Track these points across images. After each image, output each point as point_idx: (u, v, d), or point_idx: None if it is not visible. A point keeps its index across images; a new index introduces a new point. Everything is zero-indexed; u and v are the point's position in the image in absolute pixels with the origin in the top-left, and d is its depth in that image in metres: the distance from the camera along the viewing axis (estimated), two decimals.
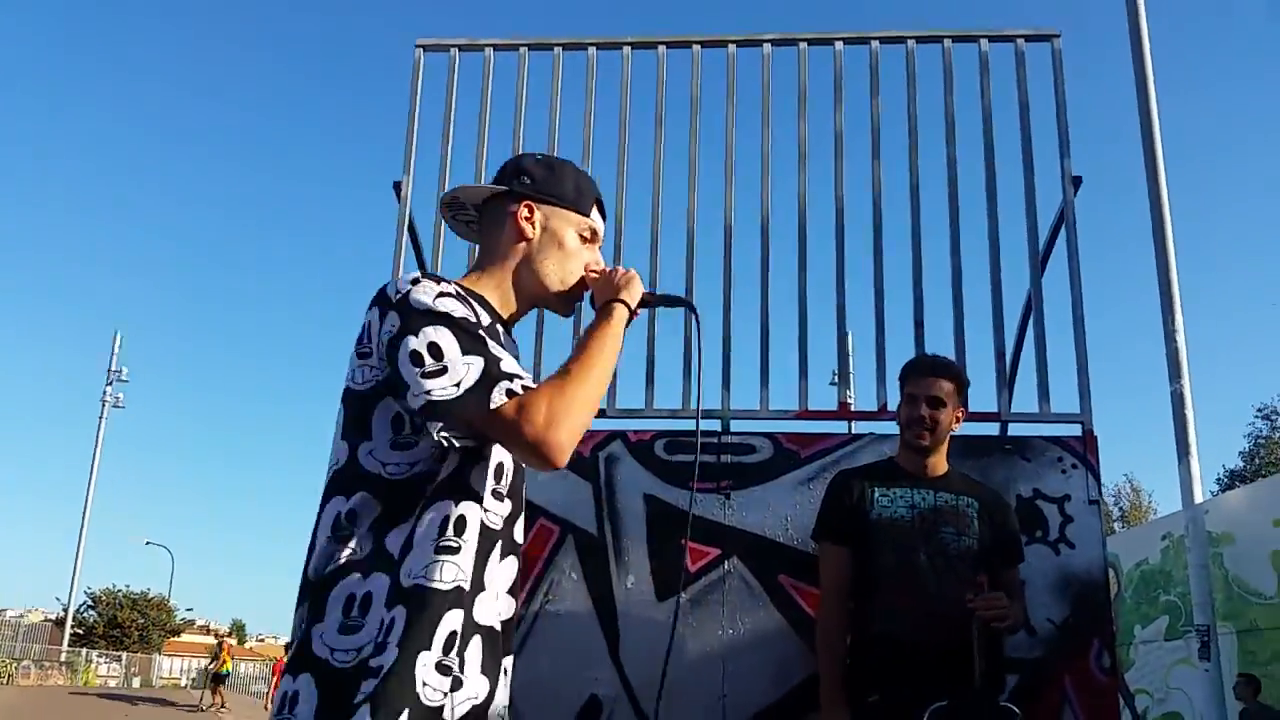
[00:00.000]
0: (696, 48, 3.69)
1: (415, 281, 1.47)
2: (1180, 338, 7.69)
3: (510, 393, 1.39)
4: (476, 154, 3.64)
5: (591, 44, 3.71)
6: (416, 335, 1.41)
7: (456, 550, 1.44)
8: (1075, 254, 3.36)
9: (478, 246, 1.74)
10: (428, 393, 1.38)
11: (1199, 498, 7.76)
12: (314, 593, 1.43)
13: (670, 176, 3.57)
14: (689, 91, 3.64)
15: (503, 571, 1.53)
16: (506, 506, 1.55)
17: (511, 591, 1.56)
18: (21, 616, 39.37)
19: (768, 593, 3.08)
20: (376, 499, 1.44)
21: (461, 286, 1.55)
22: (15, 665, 29.72)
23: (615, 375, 3.34)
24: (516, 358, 1.55)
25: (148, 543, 45.16)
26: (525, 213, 1.64)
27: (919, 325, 3.36)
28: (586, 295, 1.70)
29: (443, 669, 1.40)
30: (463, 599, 1.44)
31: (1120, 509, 30.72)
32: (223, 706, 22.78)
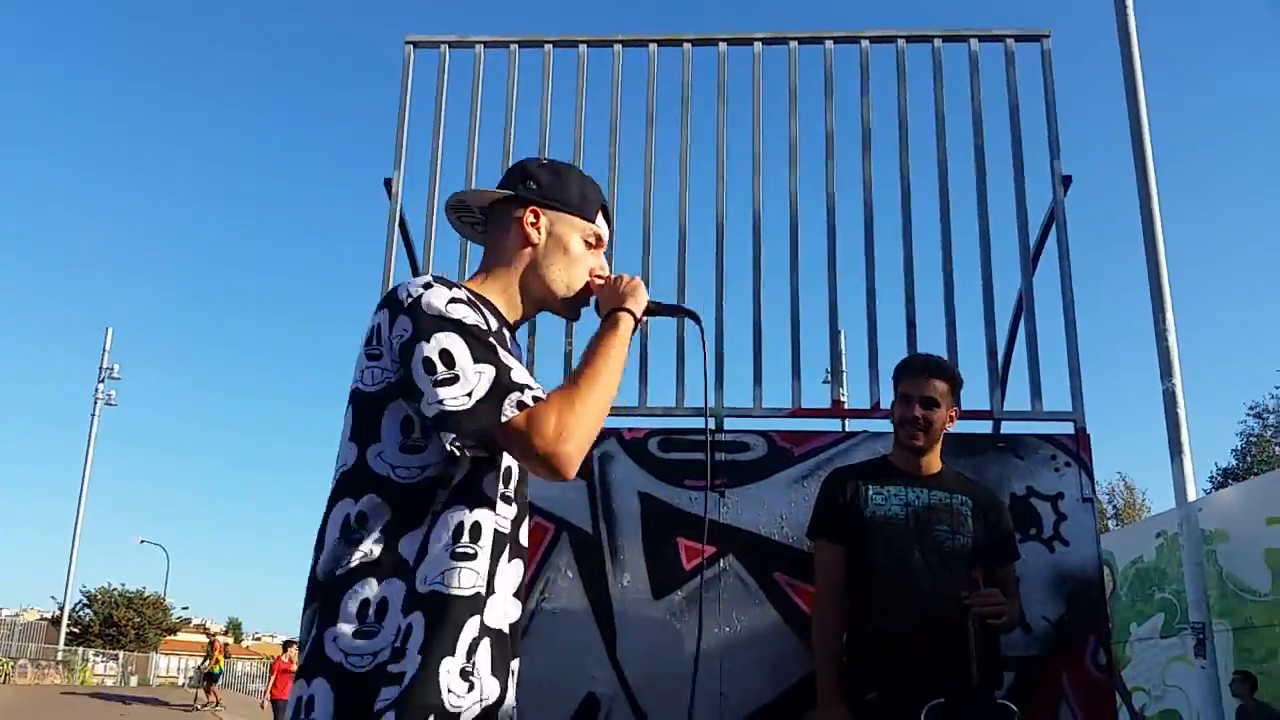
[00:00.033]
0: (687, 46, 3.69)
1: (427, 286, 1.48)
2: (1171, 336, 7.70)
3: (521, 404, 1.40)
4: (467, 150, 3.64)
5: (582, 41, 3.71)
6: (429, 341, 1.41)
7: (474, 557, 1.45)
8: (1066, 253, 3.36)
9: (481, 247, 1.74)
10: (440, 402, 1.39)
11: (1192, 495, 7.77)
12: (325, 595, 1.43)
13: (661, 174, 3.58)
14: (680, 90, 3.65)
15: (510, 575, 1.54)
16: (513, 510, 1.56)
17: (517, 594, 1.57)
18: (17, 615, 39.35)
19: (763, 590, 3.08)
20: (387, 502, 1.44)
21: (470, 290, 1.55)
22: (12, 664, 29.67)
23: None
24: (520, 360, 1.56)
25: (142, 541, 45.01)
26: (531, 218, 1.65)
27: (911, 324, 3.37)
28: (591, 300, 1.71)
29: (464, 675, 1.42)
30: (479, 605, 1.45)
31: (1114, 507, 30.76)
32: (218, 705, 22.76)
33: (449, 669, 1.40)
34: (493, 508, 1.50)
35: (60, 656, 33.28)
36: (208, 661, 23.59)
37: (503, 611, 1.51)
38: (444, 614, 1.41)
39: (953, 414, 2.79)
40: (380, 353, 1.48)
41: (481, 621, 1.46)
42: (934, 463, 2.79)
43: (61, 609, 35.53)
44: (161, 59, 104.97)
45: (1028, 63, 3.57)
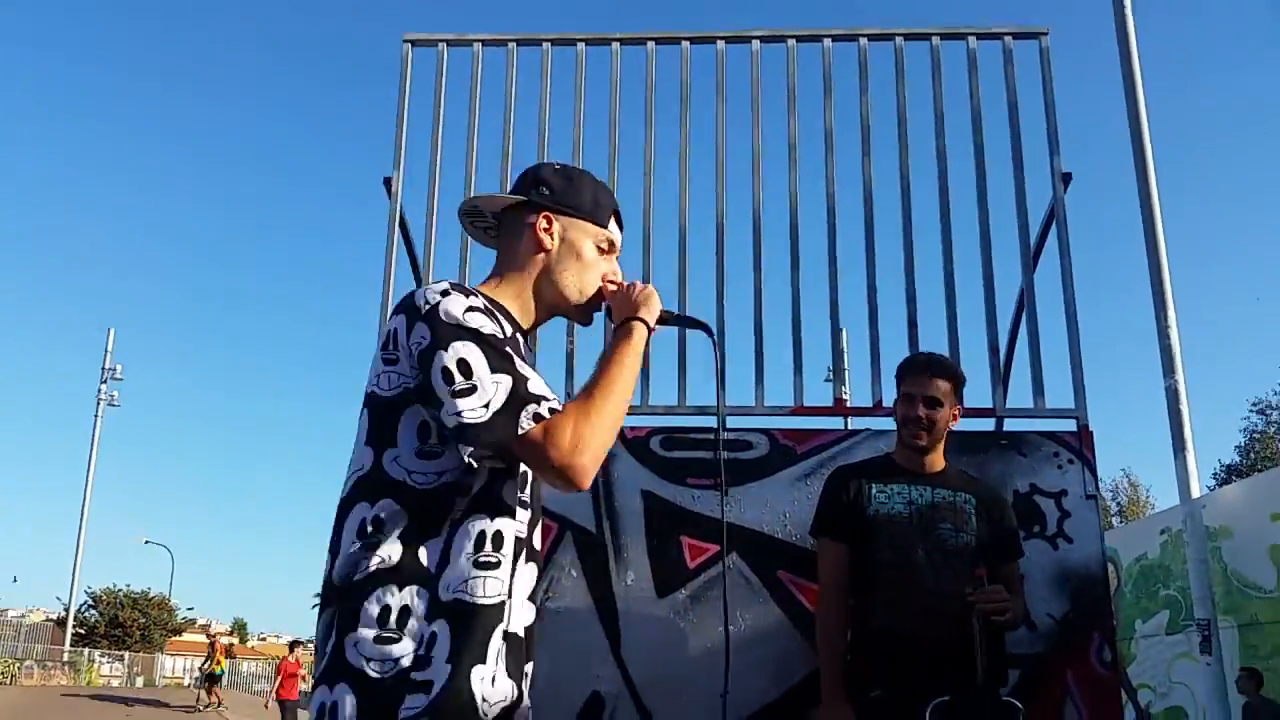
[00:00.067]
0: (685, 44, 3.69)
1: (444, 293, 1.48)
2: (1173, 333, 7.69)
3: (537, 416, 1.41)
4: (466, 149, 3.64)
5: (580, 40, 3.71)
6: (447, 350, 1.42)
7: (497, 565, 1.47)
8: (1067, 250, 3.36)
9: (482, 247, 1.76)
10: (459, 414, 1.40)
11: (1196, 492, 7.77)
12: (342, 600, 1.43)
13: (660, 173, 3.58)
14: (679, 88, 3.64)
15: (526, 578, 1.55)
16: (529, 514, 1.57)
17: (531, 597, 1.57)
18: (23, 616, 39.41)
19: (767, 589, 3.08)
20: (403, 507, 1.45)
21: (485, 296, 1.56)
22: (18, 665, 29.72)
23: None
24: (533, 364, 1.56)
25: (147, 542, 45.18)
26: (544, 224, 1.65)
27: (912, 322, 3.37)
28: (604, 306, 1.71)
29: (494, 681, 1.43)
30: (504, 613, 1.47)
31: (1118, 504, 30.71)
32: (220, 705, 22.79)
33: (481, 676, 1.41)
34: (513, 515, 1.51)
35: (66, 657, 33.33)
36: (209, 663, 23.64)
37: (519, 616, 1.52)
38: (471, 623, 1.42)
39: (956, 412, 2.79)
40: (397, 357, 1.48)
41: (505, 628, 1.48)
42: (937, 461, 2.78)
43: (67, 610, 35.61)
44: (161, 59, 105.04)
45: (1026, 60, 3.57)
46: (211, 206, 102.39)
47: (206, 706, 22.28)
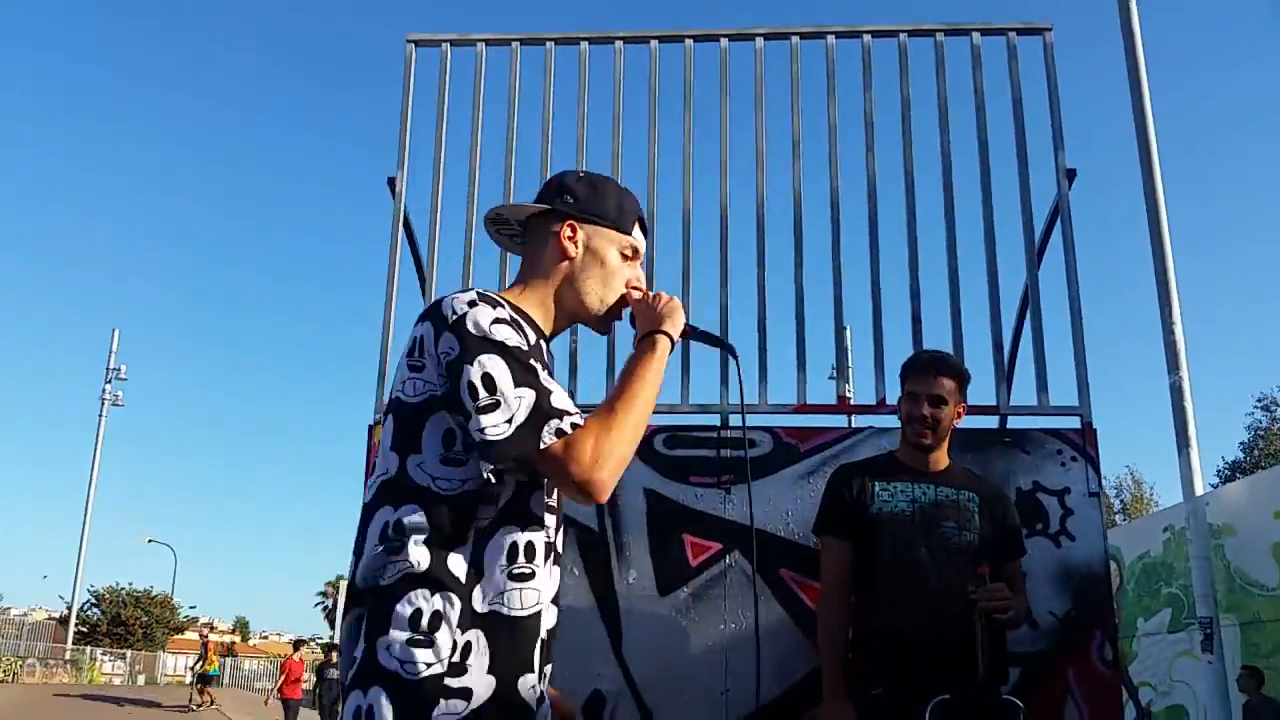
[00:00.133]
0: (689, 42, 3.68)
1: (472, 304, 1.50)
2: (1178, 329, 7.66)
3: (559, 431, 1.42)
4: (470, 148, 3.64)
5: (584, 38, 3.71)
6: (473, 364, 1.44)
7: (531, 576, 1.49)
8: (1071, 246, 3.36)
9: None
10: (482, 430, 1.42)
11: (1199, 490, 7.74)
12: (370, 603, 1.45)
13: (664, 171, 3.57)
14: (682, 86, 3.64)
15: (552, 583, 1.57)
16: (555, 519, 1.58)
17: (555, 600, 1.59)
18: (25, 615, 39.45)
19: (769, 587, 3.08)
20: (426, 512, 1.46)
21: (509, 304, 1.57)
22: (20, 664, 29.77)
23: (612, 372, 3.34)
24: (550, 371, 1.58)
25: (150, 540, 45.13)
26: (568, 232, 1.66)
27: (916, 319, 3.36)
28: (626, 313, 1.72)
29: (535, 689, 1.46)
30: (540, 621, 1.50)
31: (1122, 501, 30.70)
32: (212, 703, 22.83)
33: (531, 685, 1.45)
34: (542, 524, 1.53)
35: (68, 656, 33.38)
36: (201, 663, 23.69)
37: (547, 620, 1.54)
38: (511, 634, 1.45)
39: (960, 410, 2.79)
40: (423, 364, 1.50)
41: (542, 636, 1.51)
42: (941, 459, 2.78)
43: (69, 608, 35.66)
44: (161, 59, 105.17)
45: (1030, 57, 3.57)
46: (212, 206, 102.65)
47: (200, 706, 22.30)
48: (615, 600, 3.10)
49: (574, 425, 1.44)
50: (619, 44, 3.70)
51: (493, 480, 1.47)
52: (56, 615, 39.27)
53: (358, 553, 1.50)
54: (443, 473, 1.47)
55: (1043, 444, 3.18)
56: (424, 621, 1.40)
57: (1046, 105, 3.50)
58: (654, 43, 3.69)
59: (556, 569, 1.60)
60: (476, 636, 1.42)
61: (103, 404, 36.81)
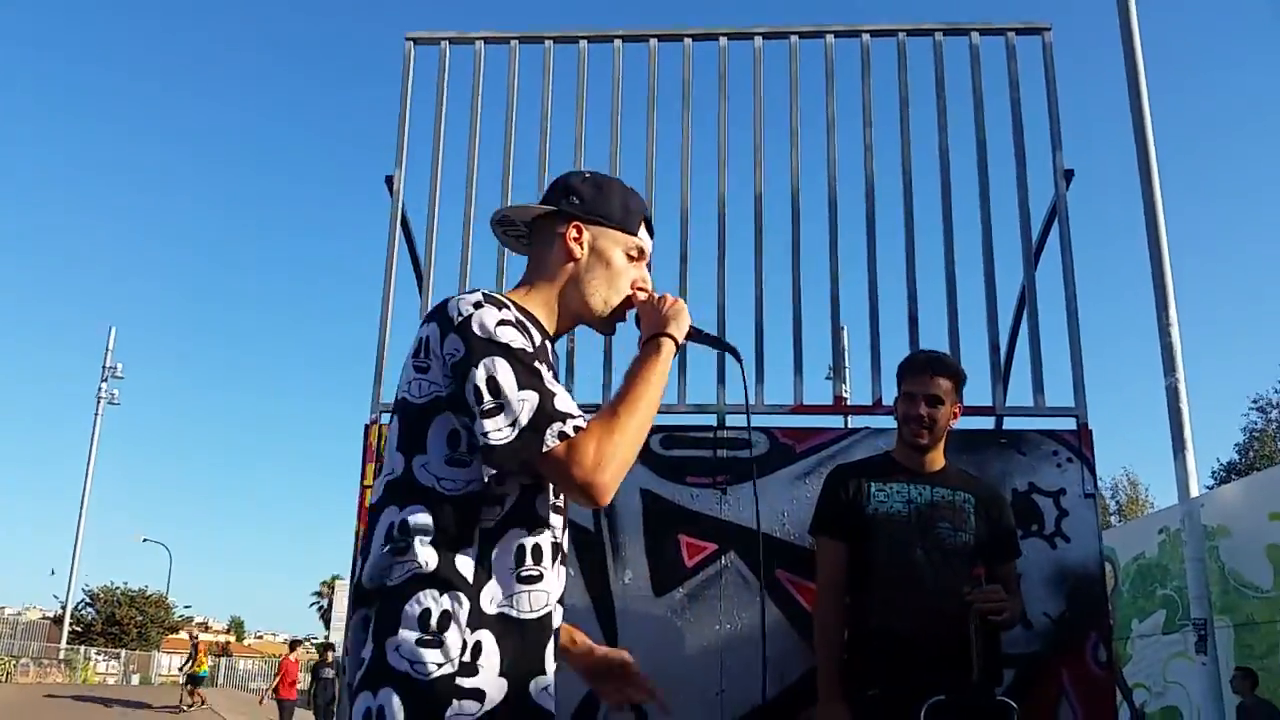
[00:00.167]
0: (688, 41, 3.68)
1: (477, 305, 1.50)
2: (1174, 331, 7.68)
3: (562, 435, 1.43)
4: (468, 147, 3.63)
5: (582, 37, 3.70)
6: (478, 367, 1.45)
7: (540, 578, 1.50)
8: (1068, 247, 3.36)
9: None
10: (486, 435, 1.42)
11: (1195, 491, 7.76)
12: (377, 603, 1.44)
13: (662, 170, 3.57)
14: (681, 85, 3.64)
15: (559, 583, 1.57)
16: (560, 519, 1.59)
17: (561, 600, 1.59)
18: (19, 614, 39.35)
19: (765, 587, 3.07)
20: (432, 513, 1.46)
21: (515, 305, 1.57)
22: (14, 663, 29.70)
23: (609, 371, 3.33)
24: (555, 371, 1.58)
25: (145, 540, 45.04)
26: (574, 233, 1.67)
27: (913, 320, 3.36)
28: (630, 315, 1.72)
29: (549, 690, 1.47)
30: (551, 623, 1.50)
31: (1117, 502, 30.72)
32: (203, 704, 22.81)
33: (544, 686, 1.46)
34: (548, 526, 1.53)
35: (62, 655, 33.31)
36: (190, 664, 23.68)
37: (555, 620, 1.55)
38: (522, 636, 1.45)
39: (957, 410, 2.79)
40: (429, 365, 1.51)
41: (552, 638, 1.52)
42: (937, 459, 2.78)
43: (64, 608, 35.58)
44: (161, 59, 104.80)
45: (1029, 57, 3.57)
46: (211, 206, 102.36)
47: (189, 707, 22.28)
48: (611, 600, 3.09)
49: (577, 428, 1.44)
50: (618, 43, 3.69)
51: (496, 482, 1.47)
52: (51, 615, 39.19)
53: (364, 553, 1.50)
54: (448, 473, 1.47)
55: (1038, 445, 3.18)
56: (433, 621, 1.40)
57: (1045, 105, 3.50)
58: (653, 41, 3.69)
59: (563, 569, 1.60)
60: (486, 637, 1.42)
61: (98, 402, 36.74)
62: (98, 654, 36.24)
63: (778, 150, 3.55)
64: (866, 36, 3.63)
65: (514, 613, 1.45)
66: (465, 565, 1.44)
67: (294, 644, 20.87)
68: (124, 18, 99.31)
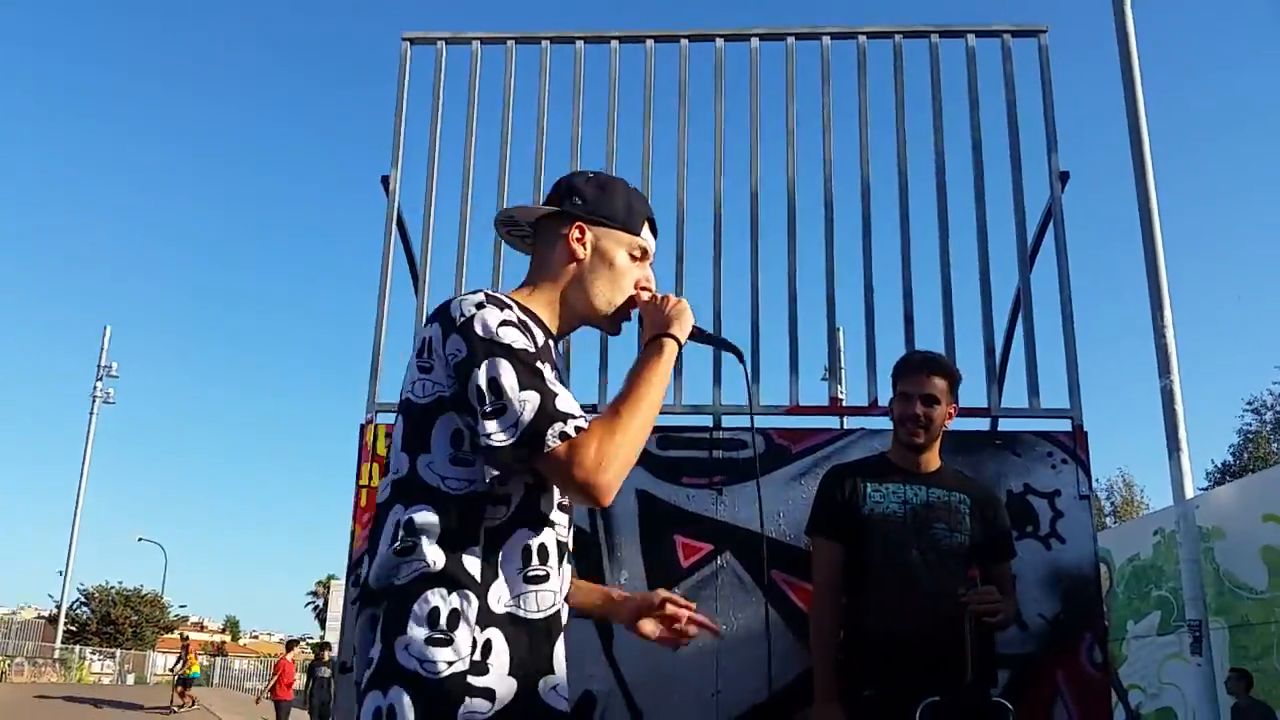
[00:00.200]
0: (684, 42, 3.68)
1: (480, 305, 1.50)
2: (1169, 333, 7.69)
3: (564, 435, 1.43)
4: (464, 147, 3.63)
5: (579, 38, 3.70)
6: (480, 368, 1.45)
7: (546, 578, 1.50)
8: (1064, 249, 3.36)
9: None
10: (488, 436, 1.43)
11: (1190, 493, 7.76)
12: (385, 603, 1.45)
13: (658, 170, 3.57)
14: (677, 86, 3.64)
15: (565, 580, 1.57)
16: (565, 517, 1.59)
17: (566, 597, 1.59)
18: (14, 614, 39.30)
19: (760, 588, 3.08)
20: (437, 512, 1.46)
21: (518, 305, 1.57)
22: (9, 662, 29.65)
23: (606, 371, 3.34)
24: (558, 370, 1.58)
25: (140, 539, 44.96)
26: (577, 234, 1.67)
27: (909, 321, 3.36)
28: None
29: (557, 689, 1.48)
30: (558, 621, 1.51)
31: (1112, 504, 30.73)
32: (193, 705, 22.78)
33: (553, 685, 1.47)
34: (553, 525, 1.54)
35: (57, 655, 33.24)
36: (181, 665, 23.66)
37: (561, 617, 1.55)
38: (530, 635, 1.46)
39: (952, 411, 2.79)
40: (431, 365, 1.51)
41: (559, 636, 1.52)
42: (932, 460, 2.78)
43: (59, 607, 35.51)
44: (161, 59, 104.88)
45: (1025, 59, 3.57)
46: (211, 206, 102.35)
47: (180, 707, 22.25)
48: None
49: (578, 428, 1.44)
50: (614, 44, 3.69)
51: (499, 481, 1.48)
52: (46, 614, 39.11)
53: (371, 553, 1.50)
54: (452, 472, 1.48)
55: (1033, 446, 3.18)
56: (442, 619, 1.40)
57: (1041, 107, 3.51)
58: (650, 42, 3.69)
59: (569, 567, 1.61)
60: (495, 635, 1.42)
61: (93, 401, 36.68)
62: (93, 654, 36.19)
63: (774, 151, 3.55)
64: (863, 38, 3.64)
65: (521, 613, 1.46)
66: (472, 564, 1.44)
67: (291, 644, 20.84)
68: (124, 18, 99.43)
